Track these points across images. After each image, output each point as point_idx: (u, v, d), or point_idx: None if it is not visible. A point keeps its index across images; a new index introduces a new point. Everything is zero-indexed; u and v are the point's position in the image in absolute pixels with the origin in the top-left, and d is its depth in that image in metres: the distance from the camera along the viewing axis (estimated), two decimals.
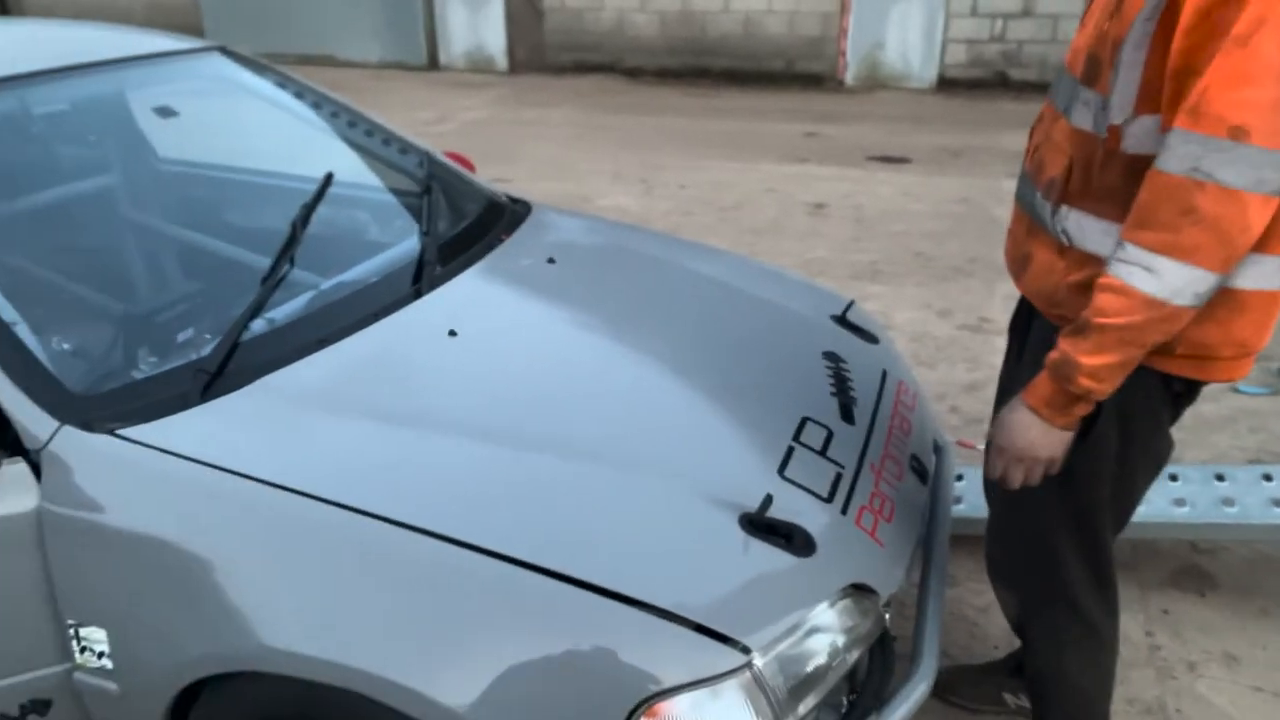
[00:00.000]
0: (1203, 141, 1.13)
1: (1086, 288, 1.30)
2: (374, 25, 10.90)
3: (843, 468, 1.60)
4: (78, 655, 1.39)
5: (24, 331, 1.43)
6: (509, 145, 7.24)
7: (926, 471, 1.81)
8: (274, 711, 1.32)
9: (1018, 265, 1.54)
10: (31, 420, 1.36)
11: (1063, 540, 1.55)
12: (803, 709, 1.31)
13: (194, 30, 11.27)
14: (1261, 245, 1.21)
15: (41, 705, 1.44)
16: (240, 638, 1.26)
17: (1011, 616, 1.74)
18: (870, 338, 2.11)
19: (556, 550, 1.27)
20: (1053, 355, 1.30)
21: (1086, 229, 1.36)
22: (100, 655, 1.37)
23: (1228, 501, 2.22)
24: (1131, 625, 2.15)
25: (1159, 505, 2.24)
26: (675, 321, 1.93)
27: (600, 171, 6.44)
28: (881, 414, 1.83)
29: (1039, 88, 8.29)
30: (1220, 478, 2.30)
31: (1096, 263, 1.33)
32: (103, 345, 1.59)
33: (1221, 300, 1.26)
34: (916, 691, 1.46)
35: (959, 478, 2.43)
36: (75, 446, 1.35)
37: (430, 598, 1.24)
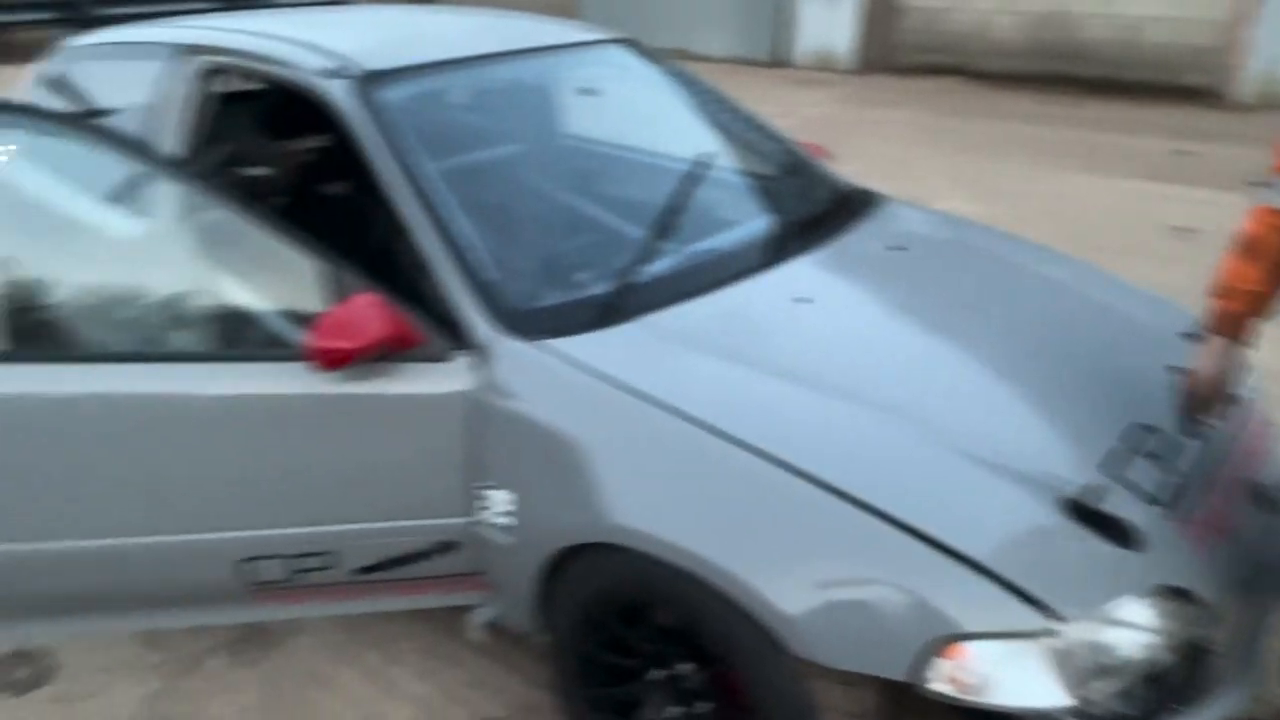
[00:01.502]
0: None
1: None
2: (725, 20, 11.40)
3: (1179, 477, 1.60)
4: (483, 512, 1.77)
5: (480, 255, 1.83)
6: (848, 142, 7.31)
7: (1276, 503, 1.73)
8: (626, 581, 1.60)
9: None
10: (477, 324, 1.75)
11: None
12: (1096, 692, 1.36)
13: (570, 18, 12.46)
14: None
15: (447, 546, 1.84)
16: (607, 515, 1.55)
17: None
18: None
19: (888, 495, 1.43)
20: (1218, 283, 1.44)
21: None
22: (504, 513, 1.73)
23: None
24: None
25: None
26: (1016, 316, 1.99)
27: (939, 174, 6.35)
28: (1228, 434, 1.77)
29: None
30: None
31: None
32: (528, 274, 1.97)
33: None
34: (1226, 705, 1.44)
35: None
36: (506, 348, 1.72)
37: (772, 514, 1.45)
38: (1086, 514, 1.46)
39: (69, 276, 1.94)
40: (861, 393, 1.64)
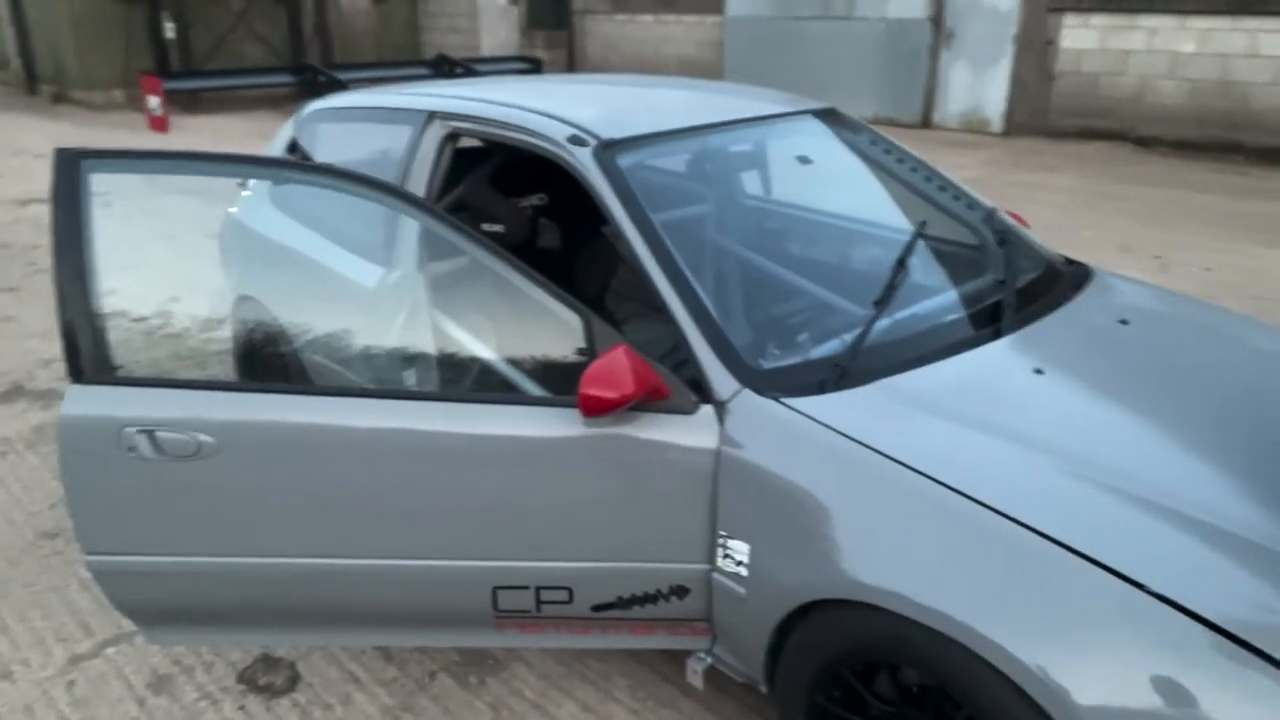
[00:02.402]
0: None
1: None
2: (875, 82, 11.47)
3: None
4: (720, 560, 1.84)
5: (721, 316, 1.93)
6: (1004, 206, 7.22)
7: None
8: (873, 640, 1.63)
9: None
10: (722, 381, 1.83)
11: None
12: None
13: (715, 80, 12.79)
14: None
15: (681, 591, 1.91)
16: (858, 573, 1.60)
17: None
18: None
19: (1147, 568, 1.42)
20: None
21: None
22: (738, 564, 1.80)
23: None
24: None
25: None
26: (1246, 392, 1.95)
27: (1107, 243, 6.19)
28: None
29: None
30: None
31: None
32: (764, 334, 2.06)
33: None
34: None
35: None
36: (749, 405, 1.80)
37: (1020, 576, 1.46)
38: None
39: (347, 321, 2.14)
40: (1111, 467, 1.64)
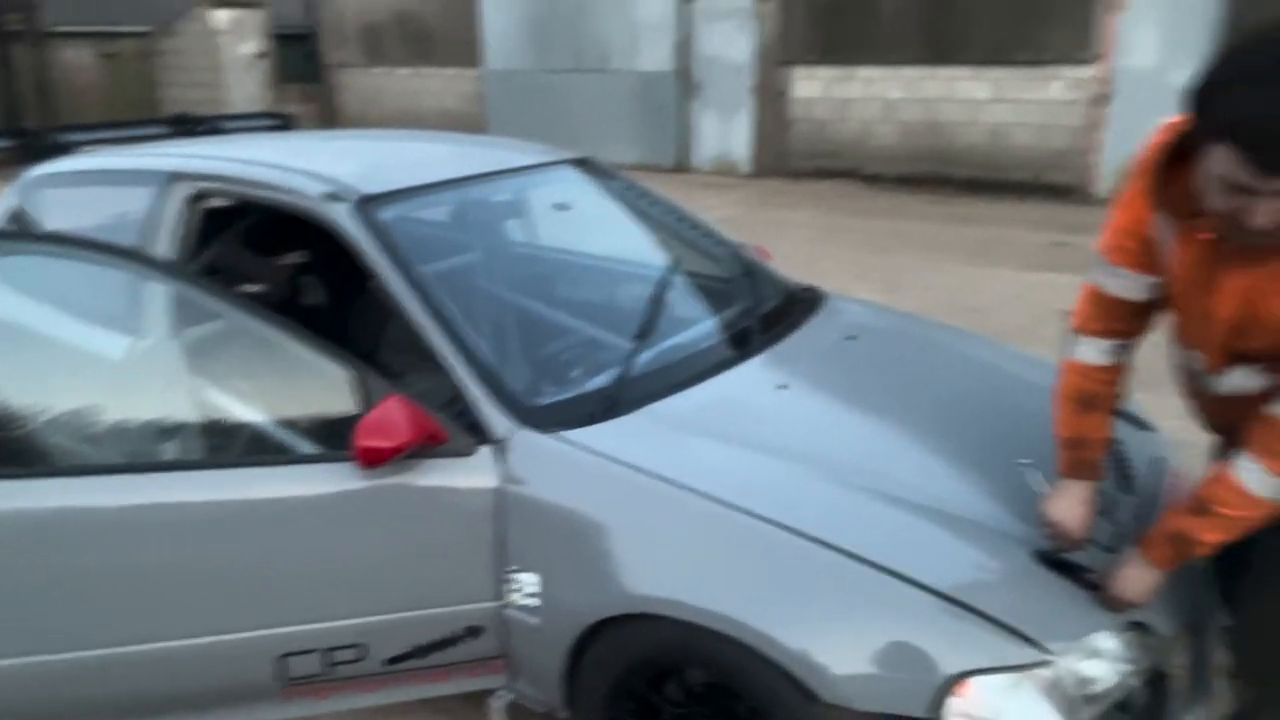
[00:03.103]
0: None
1: None
2: (633, 131, 12.05)
3: (1122, 527, 1.86)
4: (510, 594, 1.88)
5: (491, 358, 2.00)
6: (756, 242, 7.80)
7: None
8: (659, 648, 1.74)
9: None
10: (496, 420, 1.90)
11: None
12: (1088, 716, 1.57)
13: (479, 132, 12.93)
14: None
15: (476, 631, 1.94)
16: (644, 588, 1.70)
17: (1244, 706, 1.80)
18: (1147, 427, 2.34)
19: (895, 556, 1.63)
20: (1172, 530, 1.61)
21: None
22: (529, 595, 1.86)
23: None
24: None
25: None
26: (958, 391, 2.28)
27: (844, 271, 6.83)
28: (1158, 490, 2.06)
29: None
30: None
31: None
32: (534, 373, 2.15)
33: None
34: None
35: None
36: (526, 441, 1.88)
37: (795, 578, 1.64)
38: (1056, 563, 1.70)
39: (93, 396, 2.01)
40: (848, 465, 1.86)
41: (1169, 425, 4.18)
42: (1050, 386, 2.42)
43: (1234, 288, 1.52)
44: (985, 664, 1.53)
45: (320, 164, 2.36)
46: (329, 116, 15.24)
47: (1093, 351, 1.79)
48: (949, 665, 1.53)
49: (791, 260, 7.24)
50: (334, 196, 2.18)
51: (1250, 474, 1.52)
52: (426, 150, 2.83)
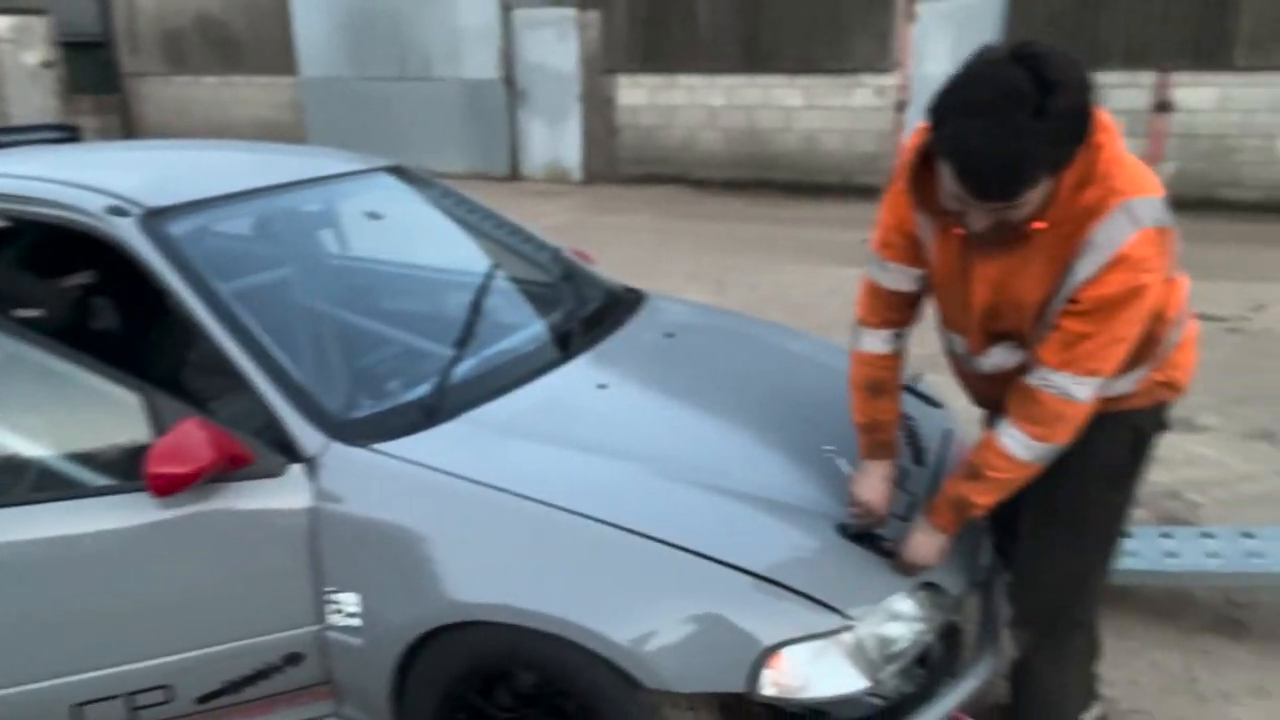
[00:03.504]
0: (1073, 379, 1.61)
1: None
2: (462, 139, 11.89)
3: (915, 496, 2.00)
4: (330, 616, 1.82)
5: (299, 372, 1.92)
6: (587, 248, 7.85)
7: None
8: (485, 654, 1.73)
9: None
10: (306, 437, 1.83)
11: (1096, 571, 1.92)
12: (886, 676, 1.69)
13: (299, 143, 12.41)
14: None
15: (296, 658, 1.86)
16: (464, 595, 1.69)
17: (1024, 649, 1.98)
18: (936, 404, 2.53)
19: (704, 539, 1.69)
20: (951, 491, 1.76)
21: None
22: (350, 615, 1.80)
23: (1255, 554, 2.53)
24: (1172, 660, 2.46)
25: (1194, 558, 2.56)
26: (770, 381, 2.38)
27: (675, 272, 7.01)
28: (947, 460, 2.23)
29: None
30: (1248, 535, 2.61)
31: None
32: (347, 386, 2.08)
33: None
34: (981, 671, 1.82)
35: None
36: (338, 457, 1.82)
37: (610, 568, 1.67)
38: (855, 534, 1.81)
39: None
40: (664, 458, 1.91)
41: (961, 404, 4.57)
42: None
43: (986, 275, 1.68)
44: (795, 634, 1.61)
45: (103, 176, 2.21)
46: (128, 128, 14.21)
47: (875, 341, 1.93)
48: (764, 639, 1.60)
49: (627, 264, 7.40)
50: (117, 211, 2.04)
51: (1012, 439, 1.68)
52: (224, 159, 2.70)
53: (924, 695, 1.80)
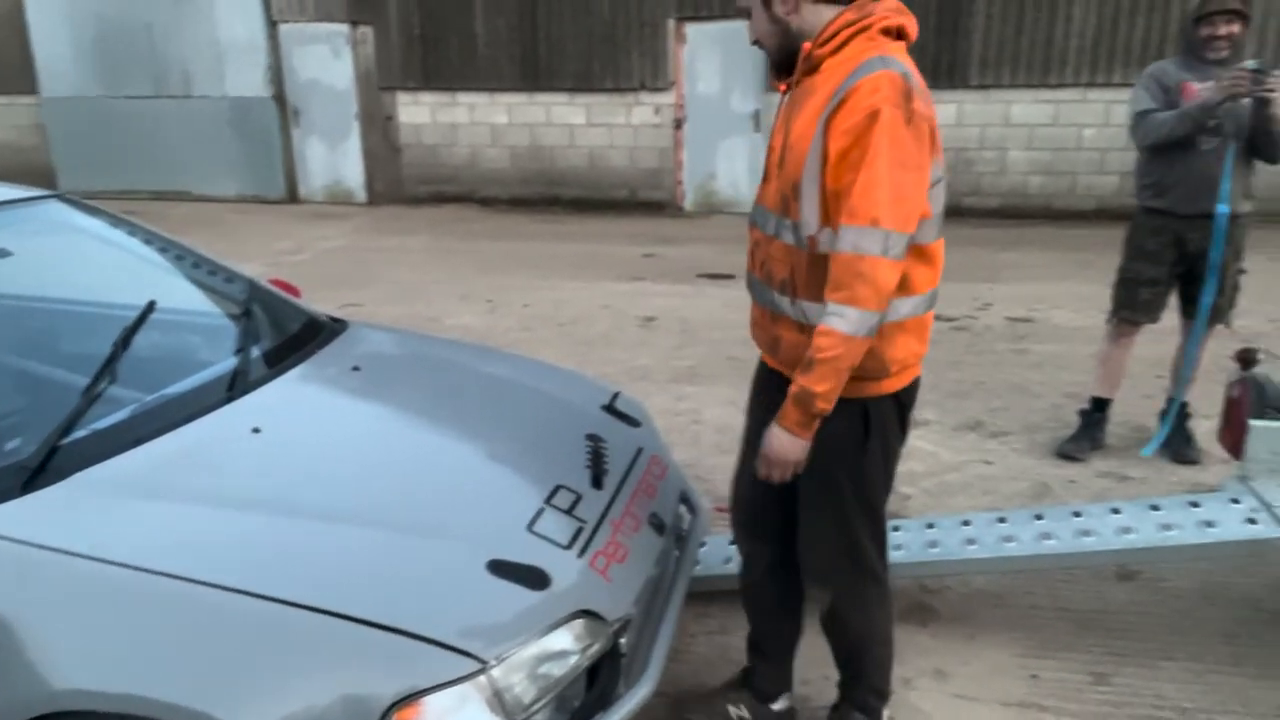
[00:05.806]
0: (857, 230, 1.70)
1: None
2: (231, 162, 11.20)
3: (584, 523, 1.97)
4: None
5: None
6: (364, 271, 7.60)
7: (665, 525, 2.20)
8: None
9: (770, 346, 2.01)
10: None
11: (861, 528, 2.00)
12: (537, 709, 1.63)
13: (42, 168, 11.29)
14: (899, 291, 1.78)
15: None
16: (57, 682, 1.49)
17: (824, 607, 2.10)
18: (633, 422, 2.53)
19: (325, 592, 1.57)
20: (793, 389, 1.80)
21: (813, 311, 1.83)
22: None
23: (970, 541, 2.67)
24: None
25: (917, 549, 2.68)
26: (457, 412, 2.30)
27: (450, 294, 6.85)
28: (629, 481, 2.22)
29: None
30: (966, 523, 2.76)
31: None
32: None
33: (885, 331, 1.81)
34: (638, 694, 1.80)
35: (703, 544, 2.76)
36: None
37: (215, 637, 1.52)
38: (508, 569, 1.75)
39: None
40: (305, 505, 1.78)
41: (714, 414, 4.63)
42: (562, 394, 2.56)
43: (784, 119, 1.89)
44: (424, 684, 1.52)
45: None
46: None
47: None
48: (391, 690, 1.50)
49: (400, 287, 7.21)
50: None
51: (827, 315, 1.73)
52: None
53: None
